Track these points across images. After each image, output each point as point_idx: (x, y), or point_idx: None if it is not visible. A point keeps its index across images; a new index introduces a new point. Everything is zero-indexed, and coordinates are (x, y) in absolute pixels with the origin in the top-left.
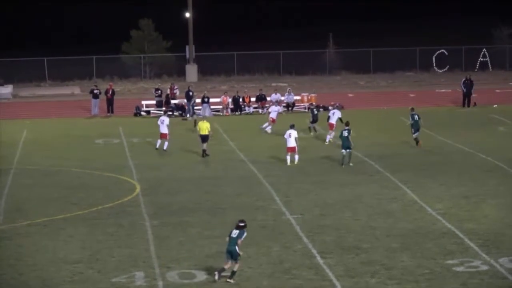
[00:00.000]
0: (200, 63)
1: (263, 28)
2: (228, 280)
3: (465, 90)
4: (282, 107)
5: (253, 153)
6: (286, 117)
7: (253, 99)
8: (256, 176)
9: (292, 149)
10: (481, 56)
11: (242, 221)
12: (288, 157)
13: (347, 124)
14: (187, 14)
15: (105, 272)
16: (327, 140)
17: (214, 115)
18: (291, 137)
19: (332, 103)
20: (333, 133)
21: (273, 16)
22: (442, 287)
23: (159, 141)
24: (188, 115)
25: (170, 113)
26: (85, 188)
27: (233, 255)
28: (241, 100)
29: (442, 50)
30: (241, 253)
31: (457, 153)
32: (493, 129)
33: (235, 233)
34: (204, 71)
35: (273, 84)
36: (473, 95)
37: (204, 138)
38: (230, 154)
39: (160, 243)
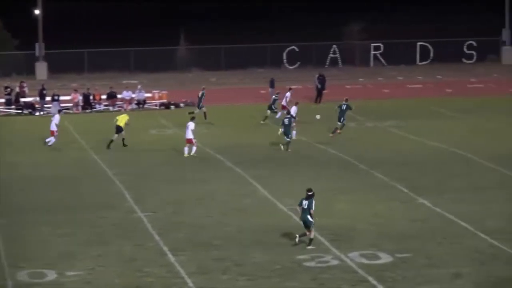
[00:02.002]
0: (50, 60)
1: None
2: (308, 247)
3: (319, 86)
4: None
5: (105, 151)
6: (138, 114)
7: (103, 96)
8: (108, 174)
9: (188, 141)
10: (331, 52)
11: (310, 190)
12: (186, 149)
13: (288, 112)
14: (37, 11)
15: None
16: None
17: (65, 113)
18: (188, 129)
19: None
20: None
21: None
22: (294, 282)
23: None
24: (41, 113)
25: (20, 111)
26: None
27: (307, 224)
28: (91, 97)
29: (293, 47)
30: (314, 220)
31: (310, 149)
32: (345, 124)
33: (305, 203)
34: (54, 69)
35: (124, 82)
36: (325, 90)
37: (119, 129)
38: (81, 152)
39: (9, 242)
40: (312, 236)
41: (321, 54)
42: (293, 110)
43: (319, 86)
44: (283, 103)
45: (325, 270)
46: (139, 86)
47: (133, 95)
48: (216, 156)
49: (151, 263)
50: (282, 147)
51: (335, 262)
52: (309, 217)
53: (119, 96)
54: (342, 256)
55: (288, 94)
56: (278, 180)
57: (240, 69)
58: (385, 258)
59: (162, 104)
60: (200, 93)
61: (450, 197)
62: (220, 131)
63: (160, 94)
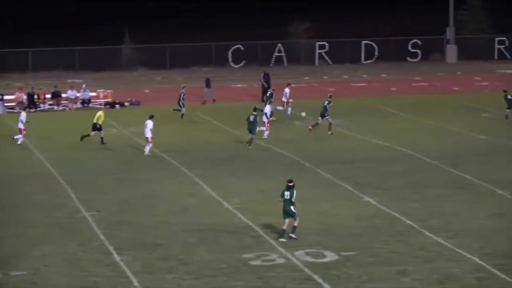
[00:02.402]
0: None
1: (61, 25)
2: (291, 234)
3: (266, 85)
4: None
5: (50, 151)
6: (83, 113)
7: (48, 95)
8: (53, 173)
9: (146, 139)
10: (276, 51)
11: (290, 181)
12: (147, 147)
13: (254, 109)
14: None
15: None
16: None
17: (9, 112)
18: (147, 128)
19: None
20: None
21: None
22: (239, 281)
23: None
24: None
25: None
26: None
27: (290, 214)
28: (36, 97)
29: (238, 46)
30: (296, 210)
31: (255, 147)
32: (290, 123)
33: (287, 194)
34: None
35: (69, 81)
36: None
37: (95, 127)
38: (25, 151)
39: None
40: (296, 224)
41: (266, 52)
42: (268, 109)
43: (265, 84)
44: (283, 99)
45: (270, 268)
46: (84, 85)
47: (78, 94)
48: (162, 156)
49: (96, 262)
50: (246, 145)
51: (280, 261)
52: (292, 207)
53: (63, 95)
54: (288, 255)
55: (286, 90)
56: (223, 179)
57: (185, 68)
58: (330, 257)
59: (107, 103)
60: (181, 93)
61: (395, 195)
62: (166, 131)
63: (105, 93)
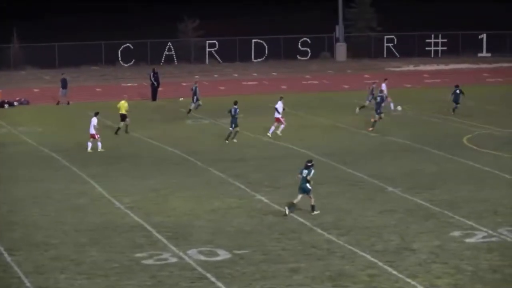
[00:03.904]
0: None
1: None
2: (313, 213)
3: (155, 84)
4: None
5: None
6: None
7: None
8: None
9: (92, 136)
10: (166, 49)
11: (310, 161)
12: (89, 143)
13: (235, 103)
14: None
15: None
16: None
17: None
18: (91, 124)
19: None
20: None
21: None
22: (132, 281)
23: None
24: None
25: None
26: None
27: (305, 190)
28: None
29: (128, 44)
30: (311, 187)
31: (146, 146)
32: (180, 122)
33: (305, 172)
34: None
35: None
36: (160, 88)
37: (123, 117)
38: None
39: None
40: (313, 202)
41: (156, 51)
42: (279, 104)
43: (155, 83)
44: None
45: (163, 267)
46: None
47: None
48: (52, 155)
49: None
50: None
51: (173, 260)
52: (307, 184)
53: None
54: (181, 254)
55: (383, 85)
56: (114, 178)
57: (74, 67)
58: (223, 255)
59: None
60: (193, 87)
61: (287, 192)
62: (56, 130)
63: None
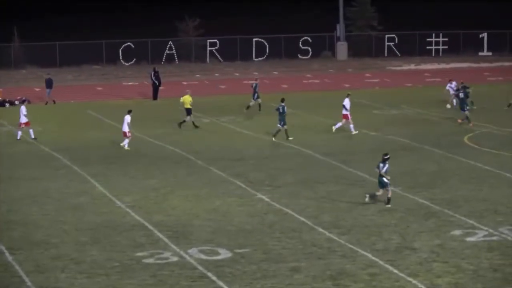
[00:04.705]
0: None
1: None
2: (387, 205)
3: (157, 83)
4: None
5: None
6: None
7: None
8: None
9: (124, 134)
10: (167, 48)
11: (386, 154)
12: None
13: (282, 100)
14: None
15: None
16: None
17: None
18: (125, 122)
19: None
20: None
21: None
22: (133, 280)
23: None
24: None
25: None
26: None
27: (383, 184)
28: None
29: (129, 43)
30: (388, 181)
31: (146, 145)
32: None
33: (381, 166)
34: None
35: None
36: (161, 87)
37: (188, 111)
38: None
39: None
40: (389, 195)
41: (157, 50)
42: (347, 101)
43: (156, 82)
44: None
45: (164, 266)
46: None
47: None
48: (53, 154)
49: None
50: None
51: (174, 259)
52: (384, 178)
53: None
54: (181, 253)
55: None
56: (115, 177)
57: (75, 66)
58: (224, 254)
59: None
60: (253, 84)
61: (287, 191)
62: (57, 129)
63: None
